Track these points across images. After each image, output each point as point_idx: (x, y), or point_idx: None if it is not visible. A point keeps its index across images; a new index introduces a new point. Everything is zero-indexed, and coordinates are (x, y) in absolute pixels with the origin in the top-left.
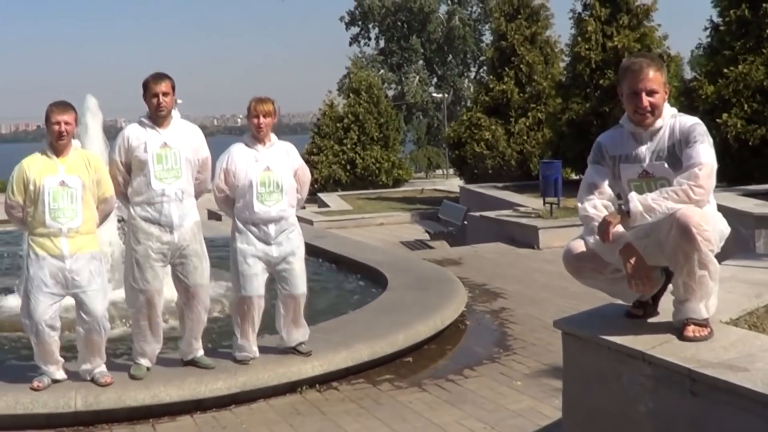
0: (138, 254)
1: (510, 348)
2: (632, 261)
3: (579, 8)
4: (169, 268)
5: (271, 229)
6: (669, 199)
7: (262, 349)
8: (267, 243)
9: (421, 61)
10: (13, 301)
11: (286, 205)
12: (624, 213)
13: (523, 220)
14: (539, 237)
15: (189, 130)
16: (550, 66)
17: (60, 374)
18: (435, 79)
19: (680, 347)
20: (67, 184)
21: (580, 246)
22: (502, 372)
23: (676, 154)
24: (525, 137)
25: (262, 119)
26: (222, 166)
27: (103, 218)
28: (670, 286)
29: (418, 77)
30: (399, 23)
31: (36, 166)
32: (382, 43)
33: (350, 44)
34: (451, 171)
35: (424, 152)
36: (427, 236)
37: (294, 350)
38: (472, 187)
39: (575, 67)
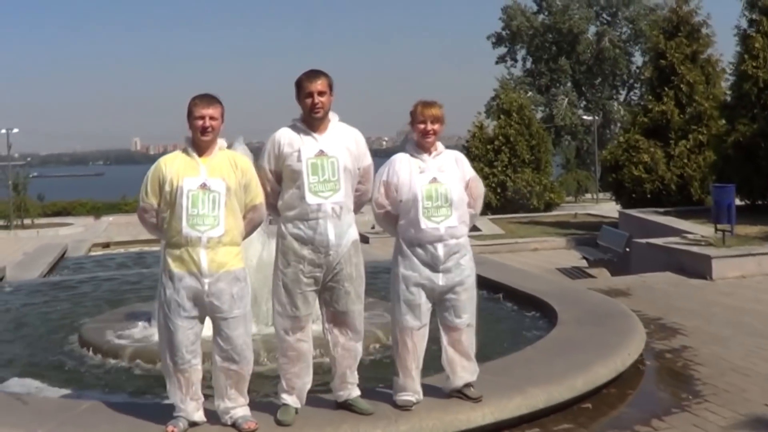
0: (287, 278)
1: (699, 394)
2: None
3: (744, 25)
4: None
5: (440, 250)
6: None
7: (426, 390)
8: (434, 269)
9: (569, 83)
10: (150, 330)
11: (457, 221)
12: None
13: (694, 249)
14: (712, 267)
15: (349, 134)
16: (712, 86)
17: (198, 416)
18: (584, 102)
19: None
20: (209, 187)
21: None
22: (695, 423)
23: None
24: (685, 160)
25: (430, 125)
26: (382, 178)
27: (251, 229)
28: None
29: (566, 99)
30: (547, 44)
31: (174, 166)
32: (529, 64)
33: (496, 64)
34: (602, 195)
35: (574, 176)
36: (584, 263)
37: (461, 393)
38: (633, 212)
39: (741, 87)
